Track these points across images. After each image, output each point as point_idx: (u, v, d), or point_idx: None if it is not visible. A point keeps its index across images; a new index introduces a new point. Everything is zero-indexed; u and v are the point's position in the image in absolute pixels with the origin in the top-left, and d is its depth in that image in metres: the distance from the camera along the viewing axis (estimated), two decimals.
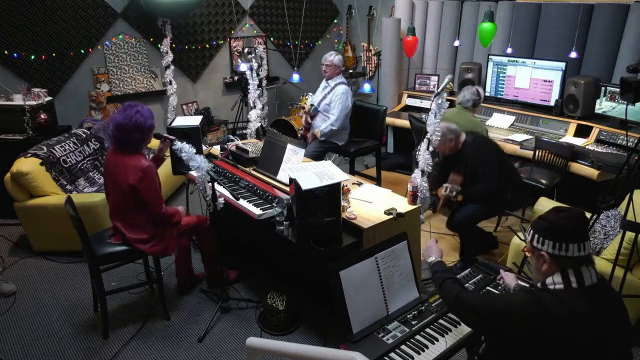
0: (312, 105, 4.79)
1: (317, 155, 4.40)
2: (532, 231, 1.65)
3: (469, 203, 3.48)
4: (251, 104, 5.12)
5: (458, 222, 3.51)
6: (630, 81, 2.60)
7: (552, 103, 4.63)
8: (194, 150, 2.88)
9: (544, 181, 3.89)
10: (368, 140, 4.80)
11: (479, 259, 2.63)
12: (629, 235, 2.63)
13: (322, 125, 4.54)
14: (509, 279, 2.21)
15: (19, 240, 4.10)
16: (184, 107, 6.06)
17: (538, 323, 1.52)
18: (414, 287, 2.26)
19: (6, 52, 4.74)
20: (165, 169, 3.33)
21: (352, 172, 4.84)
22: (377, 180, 4.92)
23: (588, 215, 2.92)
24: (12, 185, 3.68)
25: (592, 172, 3.80)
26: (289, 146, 3.34)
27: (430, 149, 3.66)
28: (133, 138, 2.80)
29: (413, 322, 2.06)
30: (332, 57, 4.59)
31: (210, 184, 2.90)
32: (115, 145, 2.90)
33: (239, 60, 6.01)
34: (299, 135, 5.01)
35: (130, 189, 2.78)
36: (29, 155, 3.81)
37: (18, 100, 4.43)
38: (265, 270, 3.70)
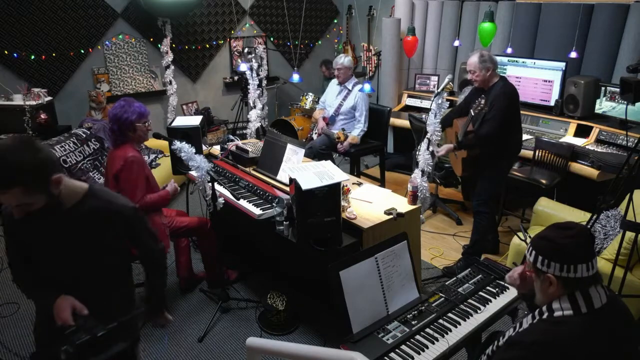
0: (320, 108, 4.79)
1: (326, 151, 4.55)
2: (534, 252, 1.53)
3: (480, 184, 3.51)
4: (251, 104, 5.13)
5: (477, 205, 3.53)
6: (630, 81, 2.60)
7: (552, 103, 4.62)
8: (194, 150, 2.88)
9: (544, 181, 3.89)
10: (371, 141, 4.78)
11: (479, 259, 2.63)
12: (629, 235, 2.63)
13: (355, 131, 4.62)
14: None
15: None
16: (184, 107, 6.07)
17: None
18: (414, 287, 2.26)
19: (6, 52, 4.74)
20: (165, 169, 3.33)
21: (358, 173, 4.79)
22: (381, 181, 4.87)
23: (588, 215, 2.93)
24: None
25: (592, 172, 3.80)
26: (289, 146, 3.34)
27: (431, 149, 3.65)
28: (112, 129, 2.83)
29: (413, 322, 2.06)
30: (343, 60, 4.59)
31: (210, 184, 2.90)
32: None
33: (239, 60, 6.01)
34: (310, 135, 4.99)
35: (115, 180, 2.78)
36: None
37: (18, 100, 4.44)
38: (265, 270, 3.70)
